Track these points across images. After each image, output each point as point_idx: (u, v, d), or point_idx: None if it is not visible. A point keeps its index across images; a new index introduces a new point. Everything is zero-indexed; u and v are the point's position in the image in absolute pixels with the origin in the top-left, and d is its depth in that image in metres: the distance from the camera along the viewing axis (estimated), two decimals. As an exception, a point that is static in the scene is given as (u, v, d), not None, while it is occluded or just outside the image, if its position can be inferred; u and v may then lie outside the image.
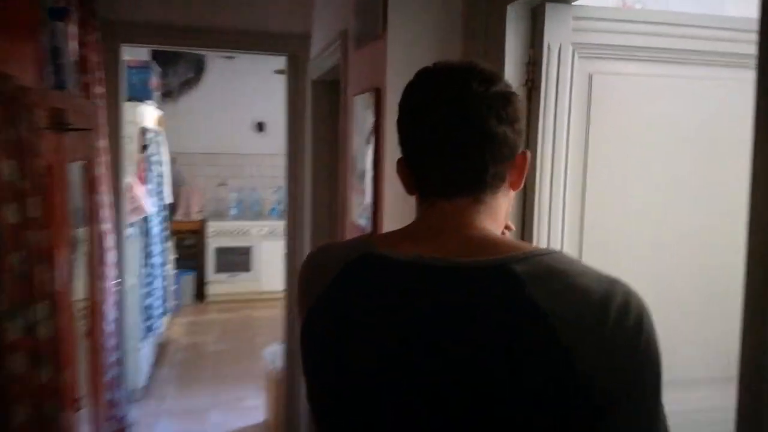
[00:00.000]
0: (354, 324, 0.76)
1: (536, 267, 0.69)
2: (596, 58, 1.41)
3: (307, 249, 2.99)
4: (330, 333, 0.78)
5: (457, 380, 0.68)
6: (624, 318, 0.67)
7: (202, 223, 6.10)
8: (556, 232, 1.39)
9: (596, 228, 1.44)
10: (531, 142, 1.38)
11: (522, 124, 0.78)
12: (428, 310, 0.71)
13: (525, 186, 1.30)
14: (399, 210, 1.68)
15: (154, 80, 4.47)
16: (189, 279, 5.98)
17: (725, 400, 1.60)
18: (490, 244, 0.75)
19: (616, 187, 1.45)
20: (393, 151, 1.66)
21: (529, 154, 0.81)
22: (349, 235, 2.13)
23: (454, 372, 0.68)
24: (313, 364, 0.81)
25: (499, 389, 0.66)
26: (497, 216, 0.80)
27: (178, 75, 6.20)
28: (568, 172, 1.40)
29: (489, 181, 0.77)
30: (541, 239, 1.38)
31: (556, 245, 1.39)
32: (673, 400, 1.46)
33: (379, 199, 1.72)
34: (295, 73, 3.08)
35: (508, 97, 0.76)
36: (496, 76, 0.78)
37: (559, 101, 1.38)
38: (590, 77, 1.41)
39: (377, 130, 1.74)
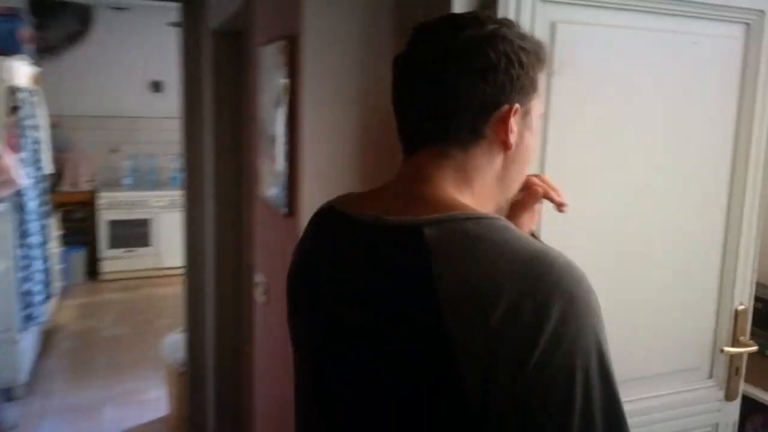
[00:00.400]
0: (300, 280, 0.82)
1: (449, 232, 0.65)
2: (561, 3, 1.18)
3: (209, 220, 2.64)
4: (288, 291, 0.84)
5: (343, 342, 0.71)
6: (521, 305, 0.58)
7: (93, 193, 5.52)
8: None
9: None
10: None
11: (504, 74, 0.70)
12: (344, 266, 0.74)
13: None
14: (322, 178, 1.39)
15: (27, 31, 3.87)
16: (80, 256, 5.43)
17: (686, 394, 1.51)
18: (428, 202, 0.70)
19: (579, 155, 1.25)
20: (312, 113, 1.37)
21: (516, 107, 0.72)
22: (259, 206, 1.84)
23: (340, 331, 0.72)
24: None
25: (375, 363, 0.65)
26: (472, 176, 0.73)
27: (59, 27, 5.51)
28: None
29: (454, 135, 0.72)
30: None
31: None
32: (634, 396, 1.32)
33: (295, 168, 1.43)
34: (191, 22, 2.68)
35: (478, 43, 0.70)
36: (471, 23, 0.72)
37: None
38: (553, 26, 1.18)
39: (293, 87, 1.43)
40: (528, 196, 0.88)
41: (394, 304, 0.65)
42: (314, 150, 1.39)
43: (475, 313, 0.59)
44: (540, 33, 1.15)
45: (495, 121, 0.72)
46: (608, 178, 1.28)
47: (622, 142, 1.27)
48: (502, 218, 0.70)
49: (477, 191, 0.74)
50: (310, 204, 1.38)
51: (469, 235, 0.64)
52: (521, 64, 0.71)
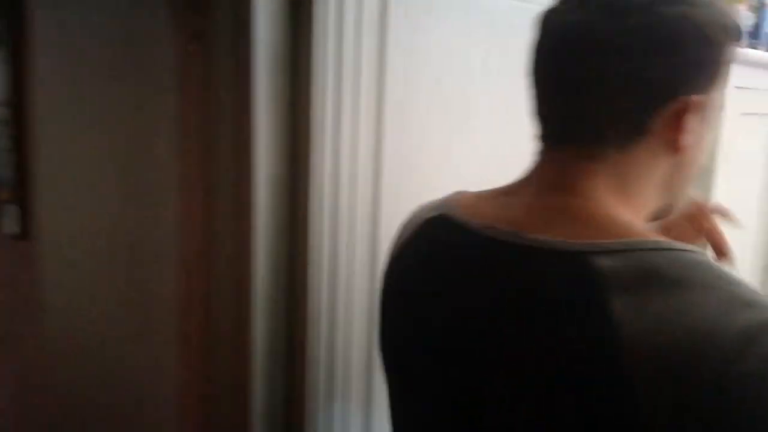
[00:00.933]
0: (404, 293, 0.68)
1: (632, 265, 0.50)
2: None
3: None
4: (386, 300, 0.71)
5: (493, 393, 0.56)
6: (733, 385, 0.44)
7: None
8: (340, 211, 0.92)
9: (397, 199, 0.98)
10: (302, 83, 0.86)
11: (687, 53, 0.55)
12: (476, 297, 0.58)
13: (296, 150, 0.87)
14: (73, 177, 1.01)
15: None
16: None
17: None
18: (582, 218, 0.55)
19: (424, 142, 1.01)
20: (51, 77, 0.96)
21: (698, 100, 0.56)
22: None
23: (488, 379, 0.56)
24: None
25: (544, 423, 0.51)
26: (630, 184, 0.58)
27: None
28: (360, 126, 0.91)
29: (613, 131, 0.56)
30: (315, 224, 0.87)
31: (339, 229, 0.91)
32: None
33: (26, 161, 1.03)
34: None
35: (655, 10, 0.54)
36: None
37: (344, 20, 0.85)
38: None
39: (16, 29, 1.00)
40: (693, 229, 0.78)
41: (552, 353, 0.52)
42: (57, 133, 0.99)
43: (673, 388, 0.45)
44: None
45: (668, 115, 0.56)
46: (465, 167, 1.08)
47: (476, 124, 1.07)
48: (697, 249, 0.54)
49: (633, 203, 0.59)
50: (55, 220, 0.98)
51: (661, 273, 0.49)
52: (710, 42, 0.56)
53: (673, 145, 0.58)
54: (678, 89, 0.56)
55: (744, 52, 1.33)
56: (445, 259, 0.64)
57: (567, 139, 0.59)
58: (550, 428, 0.52)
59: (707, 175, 1.39)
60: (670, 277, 0.49)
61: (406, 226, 0.73)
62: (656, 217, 0.66)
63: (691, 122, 0.57)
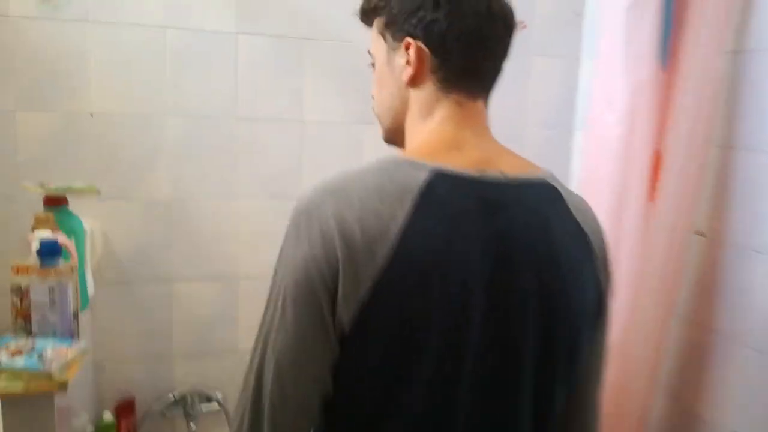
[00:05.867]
0: (455, 244, 0.68)
1: (559, 182, 0.79)
2: None
3: None
4: (432, 261, 0.67)
5: (540, 277, 0.72)
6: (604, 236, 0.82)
7: None
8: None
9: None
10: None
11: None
12: (510, 223, 0.72)
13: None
14: None
15: None
16: None
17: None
18: (516, 157, 0.78)
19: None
20: None
21: None
22: None
23: (541, 272, 0.72)
24: (406, 305, 0.67)
25: (567, 281, 0.74)
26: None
27: None
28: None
29: (490, 90, 0.81)
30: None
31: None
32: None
33: None
34: None
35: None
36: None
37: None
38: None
39: None
40: None
41: (565, 242, 0.76)
42: None
43: (601, 240, 0.82)
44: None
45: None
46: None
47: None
48: None
49: None
50: None
51: (562, 185, 0.79)
52: None
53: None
54: None
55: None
56: (469, 206, 0.70)
57: (482, 96, 0.79)
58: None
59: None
60: (564, 187, 0.79)
61: (372, 219, 0.66)
62: None
63: None
